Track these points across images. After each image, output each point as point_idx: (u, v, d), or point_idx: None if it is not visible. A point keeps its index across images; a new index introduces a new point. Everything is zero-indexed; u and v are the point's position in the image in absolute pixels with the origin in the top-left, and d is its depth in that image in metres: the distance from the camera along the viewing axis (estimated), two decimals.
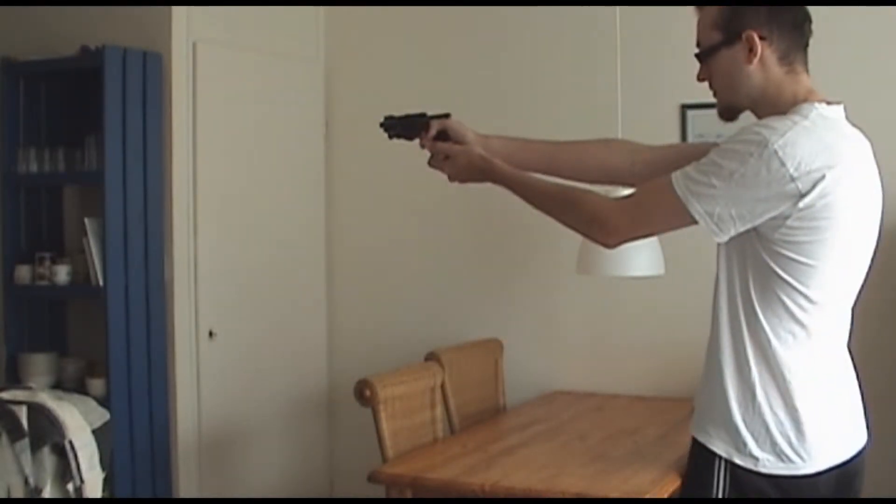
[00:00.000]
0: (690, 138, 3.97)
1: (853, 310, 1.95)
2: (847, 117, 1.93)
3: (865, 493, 2.05)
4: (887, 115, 3.67)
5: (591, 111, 4.11)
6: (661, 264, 3.46)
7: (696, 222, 1.83)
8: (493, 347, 4.20)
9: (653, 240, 3.39)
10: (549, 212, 2.05)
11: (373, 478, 3.05)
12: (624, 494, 2.77)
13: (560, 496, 2.80)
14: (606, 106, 3.87)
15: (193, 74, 3.90)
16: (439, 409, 3.61)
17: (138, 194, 3.72)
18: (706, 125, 3.94)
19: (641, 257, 3.41)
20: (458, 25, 4.45)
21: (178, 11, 3.84)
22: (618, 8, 3.78)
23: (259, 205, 4.23)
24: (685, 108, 3.98)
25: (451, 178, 2.23)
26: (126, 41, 3.69)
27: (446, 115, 2.26)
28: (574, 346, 4.26)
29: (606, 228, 1.95)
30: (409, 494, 3.02)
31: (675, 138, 4.00)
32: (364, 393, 3.27)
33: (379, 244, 4.63)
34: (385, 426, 3.26)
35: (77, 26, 3.84)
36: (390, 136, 2.30)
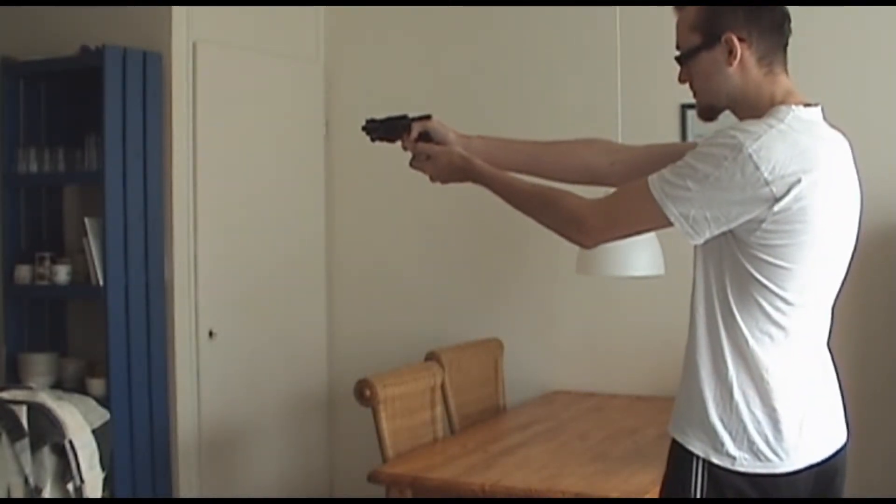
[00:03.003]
0: (690, 138, 3.97)
1: (834, 309, 1.96)
2: (826, 118, 1.93)
3: (853, 493, 2.05)
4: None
5: (591, 111, 4.11)
6: (661, 264, 3.46)
7: (671, 224, 1.84)
8: (493, 347, 4.20)
9: (653, 240, 3.39)
10: (527, 211, 2.06)
11: (373, 478, 3.05)
12: (624, 494, 2.77)
13: (560, 496, 2.81)
14: (606, 106, 3.87)
15: (193, 74, 3.90)
16: (439, 409, 3.62)
17: (138, 194, 3.72)
18: (706, 125, 3.94)
19: (641, 257, 3.40)
20: (457, 25, 4.45)
21: (178, 11, 3.84)
22: (618, 8, 3.78)
23: (259, 205, 4.23)
24: (685, 108, 3.99)
25: (433, 179, 2.25)
26: (126, 41, 3.69)
27: (427, 117, 2.28)
28: (574, 346, 4.26)
29: (583, 229, 1.96)
30: (409, 494, 3.02)
31: (675, 138, 4.00)
32: (364, 393, 3.27)
33: (379, 244, 4.63)
34: (385, 426, 3.27)
35: (77, 26, 3.84)
36: (372, 139, 2.33)
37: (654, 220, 1.85)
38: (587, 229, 1.96)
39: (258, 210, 4.23)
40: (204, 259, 3.95)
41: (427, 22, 4.51)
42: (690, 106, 3.93)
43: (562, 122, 4.22)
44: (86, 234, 3.67)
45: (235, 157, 4.12)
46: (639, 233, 2.00)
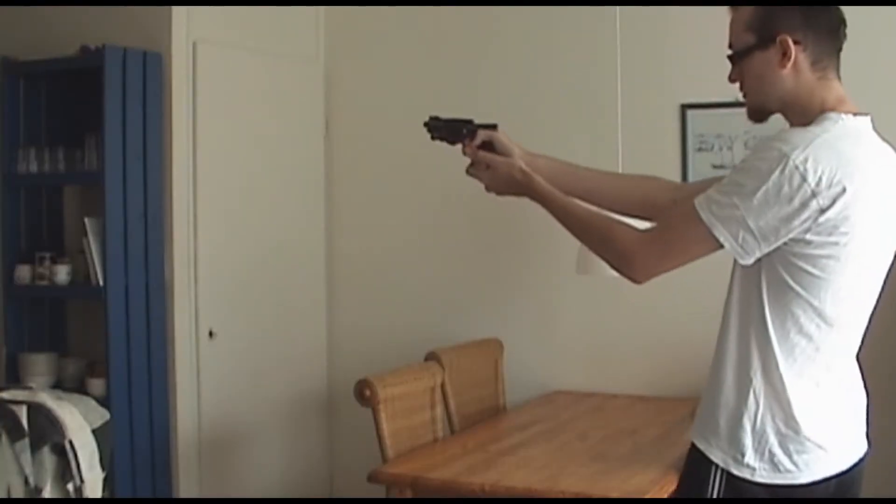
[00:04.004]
0: (690, 138, 3.97)
1: (870, 320, 1.93)
2: (876, 128, 1.89)
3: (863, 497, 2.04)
4: None
5: (592, 111, 4.12)
6: None
7: (722, 246, 1.80)
8: (493, 347, 4.20)
9: None
10: (581, 238, 2.05)
11: (373, 478, 3.05)
12: (624, 494, 2.77)
13: (560, 496, 2.81)
14: (606, 106, 3.87)
15: (193, 74, 3.90)
16: (439, 409, 3.62)
17: (138, 194, 3.72)
18: (706, 125, 3.94)
19: None
20: (457, 25, 4.45)
21: (178, 11, 3.84)
22: (618, 8, 3.78)
23: (259, 205, 4.23)
24: (685, 107, 3.98)
25: (489, 189, 2.22)
26: (126, 41, 3.69)
27: (493, 126, 2.25)
28: (574, 346, 4.26)
29: (635, 267, 1.93)
30: (409, 494, 3.02)
31: (675, 138, 4.00)
32: (364, 393, 3.27)
33: (379, 244, 4.63)
34: (385, 426, 3.27)
35: (77, 26, 3.84)
36: (433, 138, 2.27)
37: (706, 244, 1.82)
38: (638, 267, 1.92)
39: (258, 210, 4.23)
40: (204, 259, 3.95)
41: (427, 22, 4.51)
42: (690, 106, 3.93)
43: (562, 122, 4.22)
44: (86, 234, 3.67)
45: (235, 158, 4.12)
46: (691, 260, 1.91)
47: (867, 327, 1.95)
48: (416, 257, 4.54)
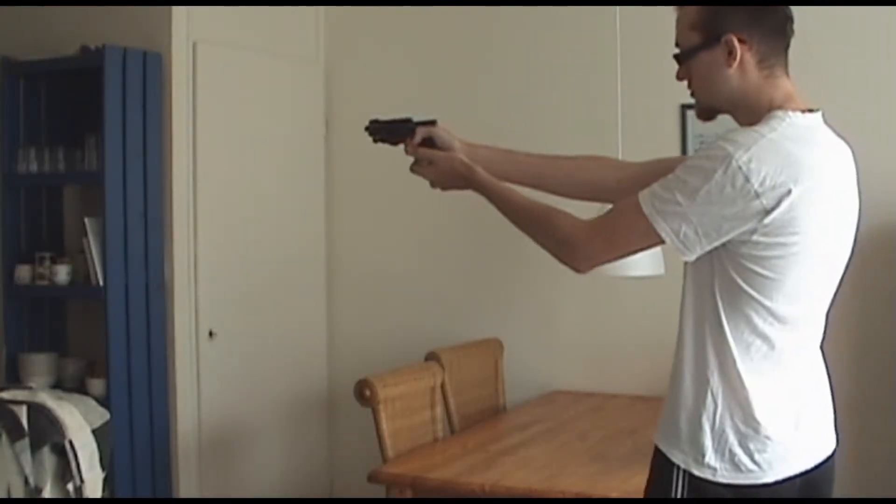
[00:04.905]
0: (690, 138, 3.98)
1: (829, 313, 1.92)
2: (828, 122, 1.89)
3: (847, 495, 2.03)
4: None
5: (592, 111, 4.12)
6: (661, 264, 3.46)
7: (664, 241, 1.80)
8: (493, 347, 4.20)
9: None
10: (522, 228, 2.05)
11: (373, 478, 3.05)
12: (624, 494, 2.77)
13: (560, 496, 2.81)
14: (606, 106, 3.87)
15: (193, 74, 3.90)
16: (439, 409, 3.62)
17: (138, 194, 3.72)
18: (706, 125, 3.93)
19: (641, 257, 3.39)
20: (457, 26, 4.45)
21: (178, 11, 3.84)
22: (618, 8, 3.79)
23: (259, 205, 4.23)
24: (685, 108, 3.99)
25: (433, 185, 2.24)
26: (126, 41, 3.69)
27: (433, 122, 2.26)
28: (574, 346, 4.27)
29: (576, 255, 1.94)
30: (409, 494, 3.02)
31: (675, 138, 4.00)
32: (364, 393, 3.28)
33: (379, 244, 4.63)
34: (385, 426, 3.27)
35: (77, 26, 3.84)
36: (375, 140, 2.31)
37: (647, 238, 1.82)
38: (580, 255, 1.94)
39: (258, 210, 4.23)
40: (204, 259, 3.95)
41: (427, 22, 4.51)
42: (690, 106, 3.93)
43: (562, 122, 4.22)
44: (86, 234, 3.67)
45: (235, 157, 4.12)
46: (634, 253, 1.93)
47: (829, 323, 1.94)
48: (417, 257, 4.54)
